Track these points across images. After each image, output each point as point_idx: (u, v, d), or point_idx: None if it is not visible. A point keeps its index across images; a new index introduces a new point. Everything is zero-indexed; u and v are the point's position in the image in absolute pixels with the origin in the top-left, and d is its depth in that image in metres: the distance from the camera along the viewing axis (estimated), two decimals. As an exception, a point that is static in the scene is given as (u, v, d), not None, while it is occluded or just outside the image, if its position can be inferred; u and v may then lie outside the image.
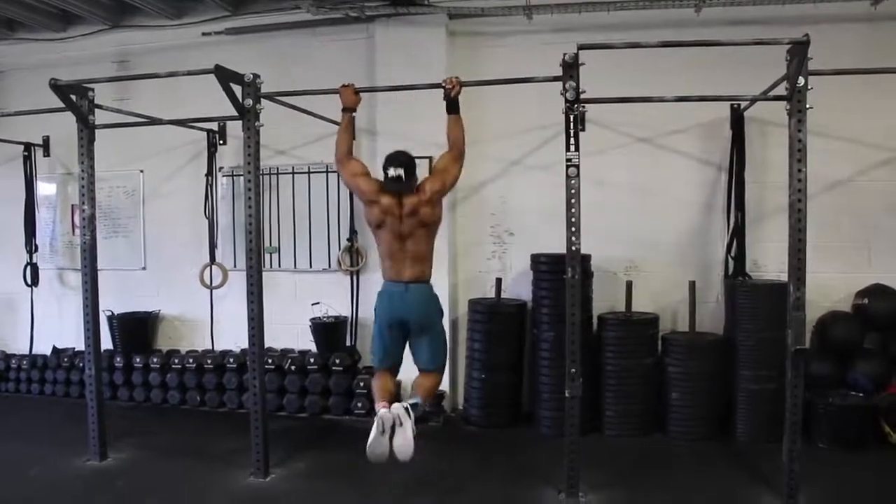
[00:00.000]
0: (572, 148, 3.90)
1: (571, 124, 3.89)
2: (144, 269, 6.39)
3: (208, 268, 6.08)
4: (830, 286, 5.05)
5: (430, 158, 4.72)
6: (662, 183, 5.44)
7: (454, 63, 5.39)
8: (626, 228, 5.42)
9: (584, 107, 3.96)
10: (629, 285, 5.26)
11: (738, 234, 5.23)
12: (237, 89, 4.23)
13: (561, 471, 4.00)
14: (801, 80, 3.71)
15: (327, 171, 5.92)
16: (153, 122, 5.20)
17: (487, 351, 5.32)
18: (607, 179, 5.27)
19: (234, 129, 5.91)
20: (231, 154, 6.10)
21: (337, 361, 5.63)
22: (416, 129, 5.13)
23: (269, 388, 5.08)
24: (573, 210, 3.91)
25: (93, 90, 4.59)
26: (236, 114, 4.28)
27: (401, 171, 3.82)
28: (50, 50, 6.28)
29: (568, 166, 3.90)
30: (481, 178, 5.69)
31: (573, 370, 3.95)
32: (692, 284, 5.18)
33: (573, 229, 3.92)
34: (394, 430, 3.51)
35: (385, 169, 3.87)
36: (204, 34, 5.99)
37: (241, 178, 5.81)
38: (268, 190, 5.87)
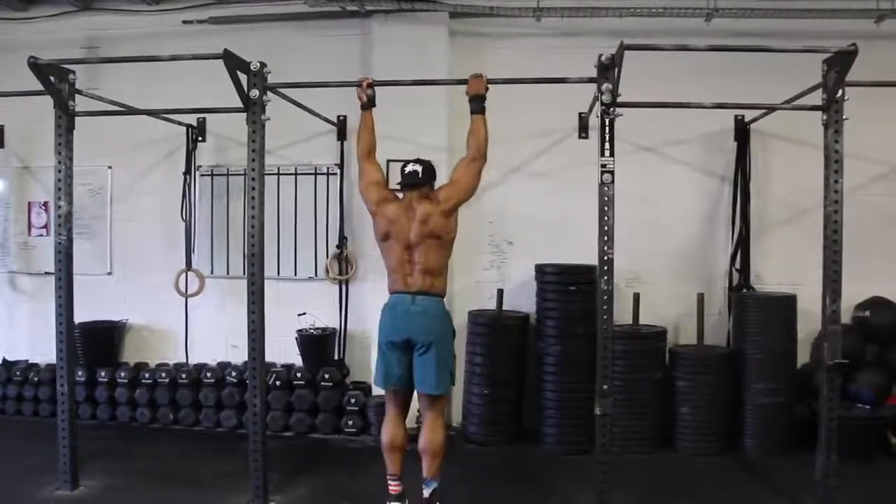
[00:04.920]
0: (607, 153, 3.75)
1: (607, 129, 3.74)
2: (110, 274, 5.83)
3: (184, 274, 5.60)
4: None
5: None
6: (664, 193, 5.36)
7: (456, 64, 5.21)
8: (627, 239, 5.12)
9: (619, 111, 3.78)
10: (636, 297, 5.14)
11: (743, 245, 5.21)
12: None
13: (575, 489, 4.01)
14: (840, 91, 3.68)
15: (315, 173, 5.61)
16: (131, 111, 4.70)
17: (490, 365, 5.07)
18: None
19: (215, 125, 5.56)
20: (210, 152, 5.68)
21: (326, 376, 5.28)
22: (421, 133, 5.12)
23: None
24: (606, 219, 3.74)
25: (74, 73, 4.14)
26: (217, 106, 4.24)
27: (418, 168, 3.71)
28: (9, 31, 5.67)
29: (602, 172, 3.74)
30: (479, 185, 5.46)
31: (605, 387, 3.76)
32: (700, 296, 5.10)
33: (606, 238, 3.75)
34: None
35: (403, 166, 3.77)
36: (185, 22, 5.54)
37: (222, 178, 5.59)
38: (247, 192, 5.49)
